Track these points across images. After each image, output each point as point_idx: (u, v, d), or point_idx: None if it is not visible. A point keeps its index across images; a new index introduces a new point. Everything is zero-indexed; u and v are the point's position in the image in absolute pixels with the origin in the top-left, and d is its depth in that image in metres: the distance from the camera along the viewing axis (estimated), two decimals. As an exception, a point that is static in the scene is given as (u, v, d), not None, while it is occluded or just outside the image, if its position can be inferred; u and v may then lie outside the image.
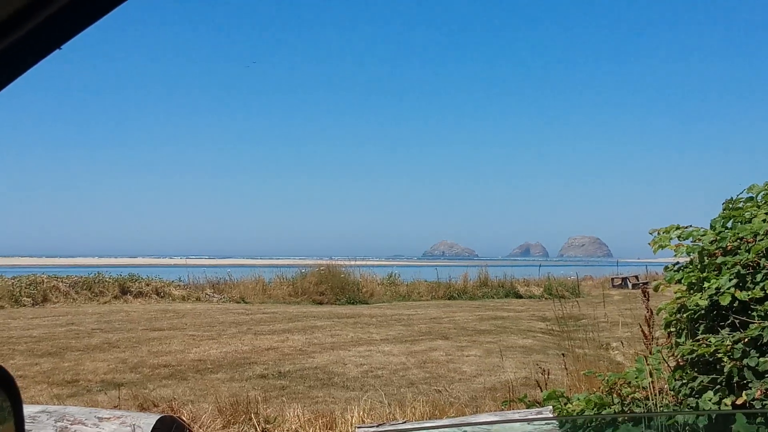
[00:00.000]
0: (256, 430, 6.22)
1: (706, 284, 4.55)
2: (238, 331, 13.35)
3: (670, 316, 4.84)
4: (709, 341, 4.38)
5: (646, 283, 12.67)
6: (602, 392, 5.09)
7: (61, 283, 19.88)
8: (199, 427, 6.24)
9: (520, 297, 24.79)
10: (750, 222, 4.60)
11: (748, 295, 4.32)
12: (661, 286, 5.06)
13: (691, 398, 4.52)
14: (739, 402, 4.20)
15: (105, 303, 19.24)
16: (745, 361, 4.22)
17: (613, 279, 31.79)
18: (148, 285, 21.01)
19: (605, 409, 4.88)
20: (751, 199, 4.86)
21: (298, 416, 6.33)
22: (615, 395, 4.97)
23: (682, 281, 4.78)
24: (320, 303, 21.13)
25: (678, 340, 4.77)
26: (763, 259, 4.41)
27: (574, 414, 4.88)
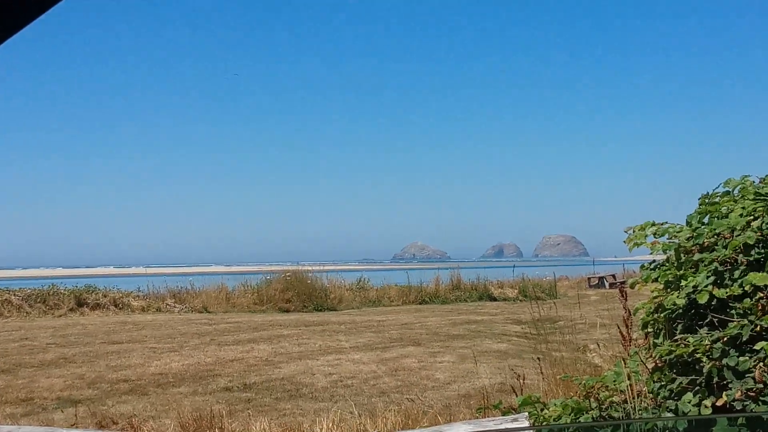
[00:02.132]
0: (220, 446, 6.01)
1: (683, 282, 4.45)
2: (201, 342, 13.08)
3: (648, 316, 4.73)
4: (688, 341, 4.28)
5: (624, 283, 12.64)
6: (579, 397, 4.96)
7: (13, 297, 19.35)
8: (161, 445, 6.02)
9: (495, 299, 24.72)
10: (727, 217, 4.51)
11: (727, 293, 4.23)
12: (638, 285, 4.95)
13: (670, 401, 4.41)
14: (719, 403, 4.10)
15: (60, 316, 18.72)
16: (724, 361, 4.12)
17: (589, 278, 31.52)
18: (105, 296, 20.53)
19: (582, 414, 4.76)
20: (727, 193, 4.77)
21: (264, 430, 6.25)
22: (592, 399, 4.85)
23: (659, 280, 4.68)
24: (287, 311, 20.87)
25: (656, 340, 4.67)
26: (741, 255, 4.32)
27: (551, 420, 4.76)
